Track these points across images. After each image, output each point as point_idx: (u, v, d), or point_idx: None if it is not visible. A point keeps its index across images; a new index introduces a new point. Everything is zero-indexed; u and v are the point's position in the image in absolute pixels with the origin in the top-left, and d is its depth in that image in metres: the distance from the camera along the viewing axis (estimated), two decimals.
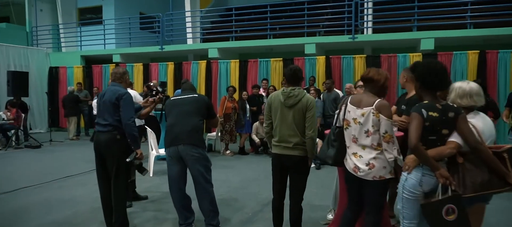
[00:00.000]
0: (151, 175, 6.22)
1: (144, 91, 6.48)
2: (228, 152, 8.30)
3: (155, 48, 12.00)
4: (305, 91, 3.29)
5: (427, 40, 9.12)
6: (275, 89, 8.58)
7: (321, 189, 5.32)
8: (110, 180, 3.63)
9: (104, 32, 12.88)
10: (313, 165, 6.99)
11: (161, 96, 4.43)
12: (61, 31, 13.90)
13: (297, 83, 3.21)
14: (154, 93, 4.41)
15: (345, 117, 2.83)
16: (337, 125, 2.95)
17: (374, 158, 2.67)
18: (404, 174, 2.52)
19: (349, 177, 2.84)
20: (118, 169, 3.60)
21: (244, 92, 8.50)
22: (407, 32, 9.70)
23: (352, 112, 2.77)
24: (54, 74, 12.83)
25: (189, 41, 12.24)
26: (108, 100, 3.60)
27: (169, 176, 3.60)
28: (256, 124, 8.33)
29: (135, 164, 3.65)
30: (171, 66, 11.28)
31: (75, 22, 14.22)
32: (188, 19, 12.26)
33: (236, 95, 8.69)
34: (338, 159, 2.91)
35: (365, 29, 10.33)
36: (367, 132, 2.68)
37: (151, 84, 4.42)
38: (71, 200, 4.89)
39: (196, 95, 3.73)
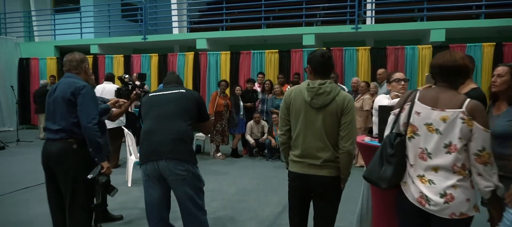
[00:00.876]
0: (129, 184, 5.25)
1: None
2: (219, 154, 7.36)
3: (138, 39, 10.94)
4: (339, 87, 2.37)
5: (438, 31, 8.33)
6: (271, 85, 7.68)
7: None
8: (65, 205, 2.67)
9: (80, 21, 11.72)
10: None
11: (139, 91, 3.46)
12: (33, 18, 12.65)
13: (327, 75, 2.29)
14: (129, 87, 3.43)
15: (411, 121, 1.93)
16: (394, 131, 2.04)
17: (453, 186, 1.79)
18: (509, 210, 1.65)
19: (409, 209, 1.94)
20: (75, 190, 2.64)
21: (237, 87, 7.55)
22: (415, 23, 8.89)
23: (423, 114, 1.88)
24: (24, 66, 11.63)
25: (175, 31, 11.23)
26: (60, 97, 2.63)
27: (147, 202, 2.64)
28: (251, 122, 7.41)
29: (99, 182, 2.68)
30: (155, 58, 10.26)
31: (49, 9, 12.97)
32: (173, 7, 11.20)
33: (227, 91, 7.73)
34: (396, 182, 2.01)
35: (367, 19, 9.47)
36: (448, 146, 1.78)
37: (126, 76, 3.43)
38: (23, 222, 3.87)
39: (184, 90, 2.78)
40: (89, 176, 2.61)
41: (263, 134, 7.36)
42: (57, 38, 12.16)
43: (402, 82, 3.07)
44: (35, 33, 12.66)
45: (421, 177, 1.89)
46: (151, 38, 10.80)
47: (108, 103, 3.26)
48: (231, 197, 4.79)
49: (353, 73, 8.53)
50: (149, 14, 11.12)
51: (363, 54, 8.56)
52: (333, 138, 2.24)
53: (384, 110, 2.59)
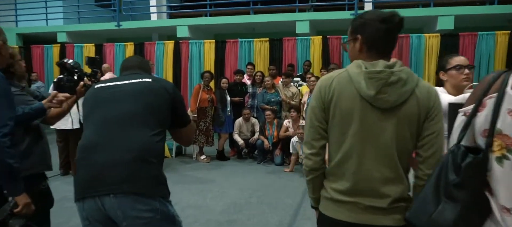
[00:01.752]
0: None
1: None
2: (203, 157, 6.37)
3: (111, 26, 9.78)
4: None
5: (446, 17, 7.54)
6: (263, 76, 6.72)
7: None
8: None
9: (46, 5, 10.45)
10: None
11: (90, 82, 2.44)
12: None
13: (389, 54, 1.37)
14: (75, 77, 2.41)
15: (499, 127, 1.09)
16: (465, 143, 1.18)
17: None
18: None
19: None
20: None
21: (224, 80, 6.55)
22: (421, 8, 8.07)
23: None
24: None
25: (153, 17, 10.14)
26: None
27: None
28: (239, 120, 6.45)
29: None
30: (130, 47, 9.15)
31: None
32: None
33: (212, 84, 6.74)
34: None
35: (366, 4, 8.59)
36: None
37: (70, 61, 2.39)
38: None
39: (149, 79, 1.79)
40: None
41: (253, 133, 6.41)
42: (20, 24, 10.87)
43: (466, 71, 2.15)
44: None
45: None
46: (126, 25, 9.68)
47: (44, 101, 2.21)
48: (219, 217, 3.83)
49: None
50: None
51: None
52: (406, 159, 1.33)
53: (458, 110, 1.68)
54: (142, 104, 1.69)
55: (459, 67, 2.17)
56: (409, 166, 1.37)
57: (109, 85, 1.76)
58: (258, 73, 6.80)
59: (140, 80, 1.77)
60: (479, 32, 7.12)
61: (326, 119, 1.37)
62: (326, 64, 7.41)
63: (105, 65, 7.07)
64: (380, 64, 1.30)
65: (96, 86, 1.79)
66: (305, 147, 1.43)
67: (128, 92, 1.71)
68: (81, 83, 2.38)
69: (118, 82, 1.76)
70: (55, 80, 2.42)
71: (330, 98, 1.34)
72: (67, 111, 2.37)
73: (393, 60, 1.34)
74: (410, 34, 7.46)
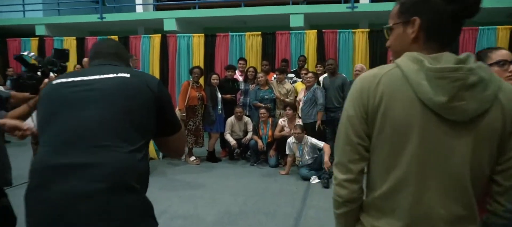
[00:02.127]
0: None
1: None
2: (192, 158, 5.95)
3: (93, 18, 9.29)
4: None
5: None
6: (255, 72, 6.32)
7: None
8: None
9: None
10: (317, 180, 4.88)
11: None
12: None
13: (449, 46, 1.00)
14: (38, 73, 1.98)
15: None
16: None
17: None
18: None
19: None
20: None
21: (214, 76, 6.13)
22: None
23: None
24: None
25: (139, 9, 9.69)
26: None
27: None
28: (231, 119, 6.05)
29: None
30: None
31: None
32: None
33: (202, 81, 6.32)
34: None
35: None
36: None
37: (30, 55, 1.96)
38: None
39: (127, 74, 1.37)
40: None
41: (246, 132, 6.03)
42: None
43: (511, 67, 1.80)
44: None
45: None
46: (110, 17, 9.21)
47: (1, 121, 1.77)
48: (211, 226, 3.45)
49: (348, 59, 7.36)
50: None
51: (360, 38, 7.34)
52: (480, 188, 0.97)
53: None
54: (118, 109, 1.28)
55: (502, 63, 1.81)
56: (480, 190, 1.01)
57: (73, 81, 1.34)
58: (251, 69, 6.40)
59: (115, 75, 1.35)
60: (480, 27, 6.87)
61: (368, 133, 0.99)
62: (322, 60, 7.08)
63: (85, 60, 6.57)
64: (448, 58, 0.93)
65: (54, 82, 1.36)
66: (338, 170, 1.05)
67: (98, 92, 1.29)
68: (46, 80, 1.97)
69: (85, 78, 1.34)
70: (13, 77, 1.99)
71: (377, 105, 0.96)
72: (28, 115, 1.94)
73: (466, 55, 0.96)
74: None
